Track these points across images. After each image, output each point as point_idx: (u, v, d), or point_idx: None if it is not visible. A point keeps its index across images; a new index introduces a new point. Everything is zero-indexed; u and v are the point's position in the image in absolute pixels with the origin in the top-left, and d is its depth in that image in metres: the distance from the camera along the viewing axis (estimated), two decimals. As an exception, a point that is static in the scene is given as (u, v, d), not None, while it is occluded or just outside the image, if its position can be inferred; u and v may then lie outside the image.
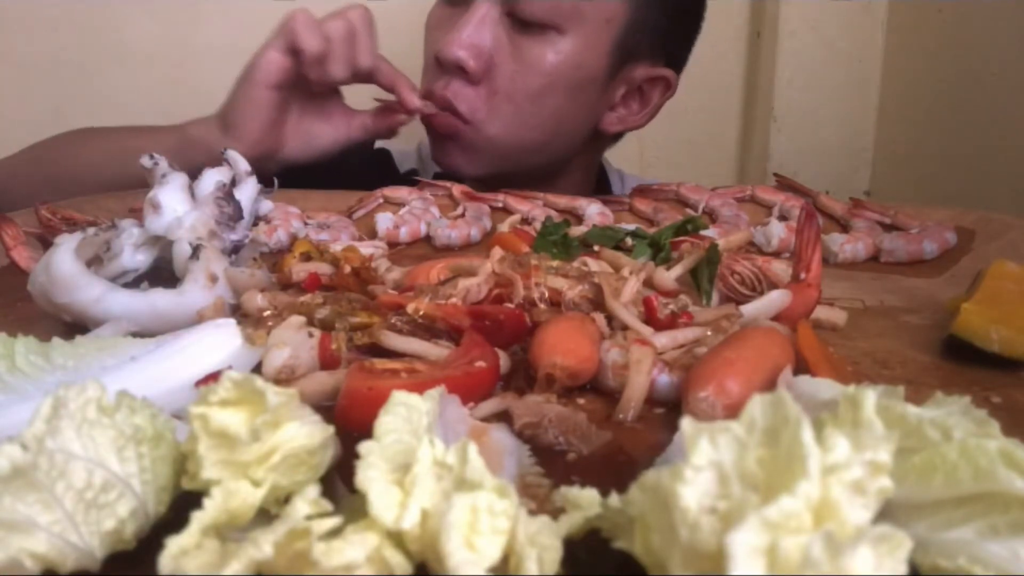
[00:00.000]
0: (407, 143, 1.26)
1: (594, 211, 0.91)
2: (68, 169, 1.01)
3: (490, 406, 0.43)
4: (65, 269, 0.52)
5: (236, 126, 0.94)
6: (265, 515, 0.30)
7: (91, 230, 0.58)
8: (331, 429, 0.32)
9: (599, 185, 1.24)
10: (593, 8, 0.98)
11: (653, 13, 1.03)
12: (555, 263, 0.57)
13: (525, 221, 0.91)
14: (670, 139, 1.23)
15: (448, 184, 1.00)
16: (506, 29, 0.98)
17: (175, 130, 0.97)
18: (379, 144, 1.24)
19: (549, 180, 1.10)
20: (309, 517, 0.27)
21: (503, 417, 0.42)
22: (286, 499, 0.30)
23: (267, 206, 0.78)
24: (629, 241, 0.76)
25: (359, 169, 1.14)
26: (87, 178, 0.97)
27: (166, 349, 0.44)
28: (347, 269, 0.58)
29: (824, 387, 0.39)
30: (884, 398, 0.30)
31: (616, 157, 1.32)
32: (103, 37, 1.54)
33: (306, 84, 0.95)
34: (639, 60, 1.05)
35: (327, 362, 0.47)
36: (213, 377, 0.42)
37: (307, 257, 0.64)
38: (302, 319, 0.50)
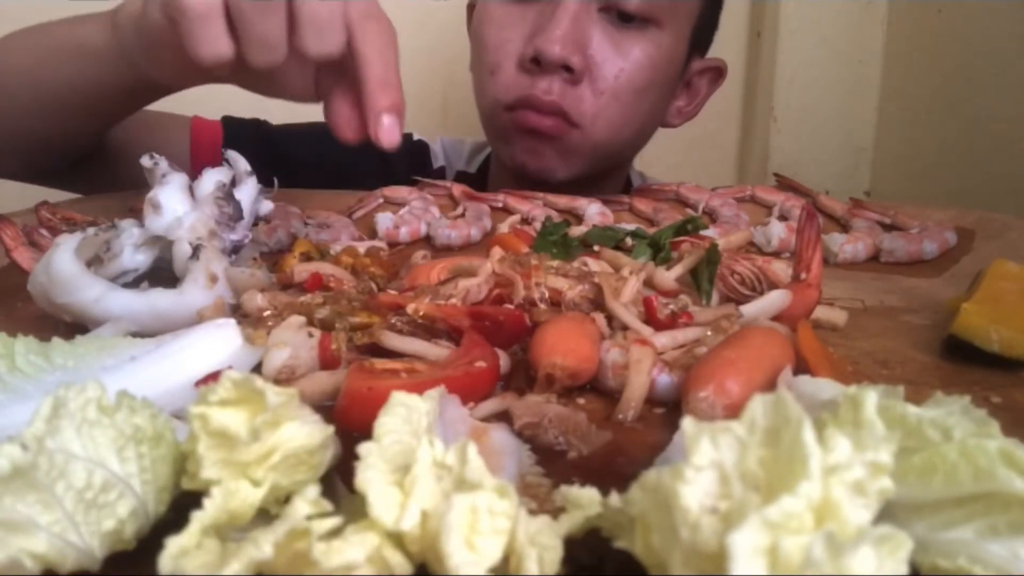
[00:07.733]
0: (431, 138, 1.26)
1: (594, 211, 0.91)
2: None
3: (490, 406, 0.43)
4: (65, 269, 0.52)
5: (150, 66, 0.71)
6: (265, 515, 0.30)
7: (91, 230, 0.58)
8: (331, 429, 0.32)
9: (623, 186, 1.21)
10: (684, 1, 0.99)
11: (715, 4, 1.05)
12: (555, 263, 0.57)
13: (525, 221, 0.91)
14: (670, 139, 1.23)
15: (448, 184, 1.00)
16: (603, 24, 0.95)
17: (107, 17, 0.75)
18: (417, 137, 1.23)
19: (605, 181, 1.07)
20: (309, 517, 0.27)
21: (503, 417, 0.42)
22: (286, 499, 0.30)
23: (267, 206, 0.78)
24: (629, 241, 0.76)
25: (397, 157, 1.12)
26: (21, 87, 0.83)
27: (166, 349, 0.44)
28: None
29: (824, 387, 0.39)
30: (884, 398, 0.30)
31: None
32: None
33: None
34: (697, 52, 1.06)
35: (327, 362, 0.47)
36: (213, 377, 0.42)
37: (307, 257, 0.64)
38: (302, 319, 0.50)
